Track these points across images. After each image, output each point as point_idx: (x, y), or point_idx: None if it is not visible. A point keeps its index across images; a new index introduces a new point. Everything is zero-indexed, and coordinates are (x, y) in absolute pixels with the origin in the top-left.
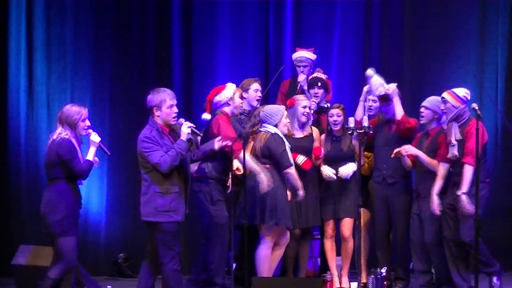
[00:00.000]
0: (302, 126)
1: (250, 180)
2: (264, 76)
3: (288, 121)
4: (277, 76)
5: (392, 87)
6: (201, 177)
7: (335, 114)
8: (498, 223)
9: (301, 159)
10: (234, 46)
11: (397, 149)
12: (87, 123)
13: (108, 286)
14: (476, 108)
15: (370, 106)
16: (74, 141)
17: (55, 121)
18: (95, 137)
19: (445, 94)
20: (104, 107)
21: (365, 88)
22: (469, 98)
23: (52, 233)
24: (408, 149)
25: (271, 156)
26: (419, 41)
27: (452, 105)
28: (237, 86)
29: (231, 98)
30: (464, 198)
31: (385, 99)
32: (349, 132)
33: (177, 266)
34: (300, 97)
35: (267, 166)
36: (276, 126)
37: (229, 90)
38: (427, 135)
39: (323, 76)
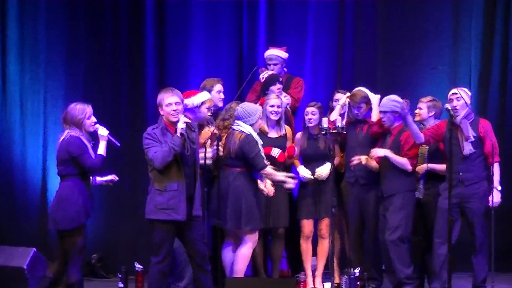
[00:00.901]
0: (276, 125)
1: (222, 181)
2: (238, 76)
3: (261, 122)
4: (250, 77)
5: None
6: None
7: (310, 112)
8: None
9: (275, 151)
10: (208, 45)
11: (362, 157)
12: (93, 119)
13: None
14: (450, 108)
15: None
16: (83, 138)
17: (61, 123)
18: (103, 131)
19: (458, 90)
20: None
21: (344, 98)
22: None
23: (60, 230)
24: (375, 154)
25: (244, 159)
26: (392, 42)
27: (465, 102)
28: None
29: (198, 107)
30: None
31: (356, 101)
32: (323, 132)
33: (165, 269)
34: (270, 96)
35: (239, 169)
36: (251, 125)
37: (200, 98)
38: (389, 134)
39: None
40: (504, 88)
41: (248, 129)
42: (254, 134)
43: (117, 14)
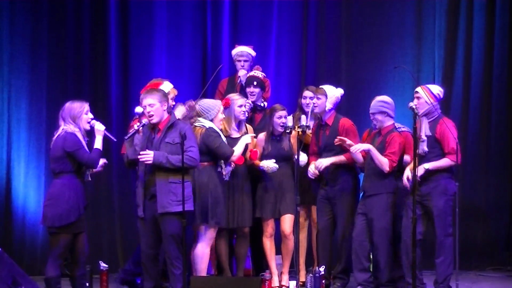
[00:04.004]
0: (239, 125)
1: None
2: (202, 76)
3: (223, 116)
4: (214, 76)
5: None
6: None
7: (283, 116)
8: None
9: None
10: (171, 45)
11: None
12: (90, 115)
13: None
14: (414, 107)
15: (308, 103)
16: (79, 134)
17: (58, 120)
18: (99, 126)
19: (419, 89)
20: (41, 105)
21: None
22: (442, 96)
23: (49, 226)
24: (355, 149)
25: (208, 152)
26: (355, 41)
27: (425, 101)
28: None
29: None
30: (421, 171)
31: (319, 92)
32: (287, 131)
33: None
34: (235, 96)
35: (205, 164)
36: (211, 120)
37: (165, 88)
38: (379, 133)
39: (260, 75)
40: (467, 86)
41: (209, 124)
42: (216, 128)
43: (80, 13)
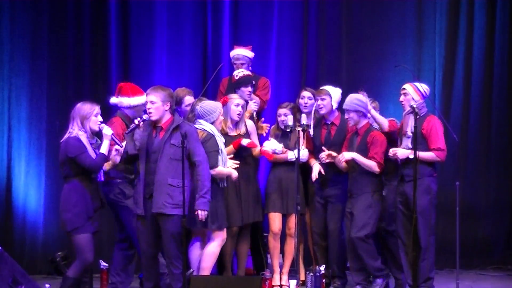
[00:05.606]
0: (236, 124)
1: None
2: (202, 74)
3: (223, 118)
4: (215, 74)
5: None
6: (107, 179)
7: (283, 113)
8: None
9: (246, 141)
10: (172, 44)
11: (328, 158)
12: (100, 118)
13: (46, 285)
14: (414, 106)
15: (306, 103)
16: (84, 137)
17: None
18: (107, 130)
19: (406, 86)
20: (41, 105)
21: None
22: (428, 94)
23: (66, 231)
24: (342, 157)
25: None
26: (356, 39)
27: (412, 98)
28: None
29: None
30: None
31: (322, 92)
32: (288, 130)
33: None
34: (234, 95)
35: None
36: (212, 123)
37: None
38: (356, 134)
39: (250, 73)
40: (468, 84)
41: (209, 127)
42: (217, 132)
43: (80, 12)
